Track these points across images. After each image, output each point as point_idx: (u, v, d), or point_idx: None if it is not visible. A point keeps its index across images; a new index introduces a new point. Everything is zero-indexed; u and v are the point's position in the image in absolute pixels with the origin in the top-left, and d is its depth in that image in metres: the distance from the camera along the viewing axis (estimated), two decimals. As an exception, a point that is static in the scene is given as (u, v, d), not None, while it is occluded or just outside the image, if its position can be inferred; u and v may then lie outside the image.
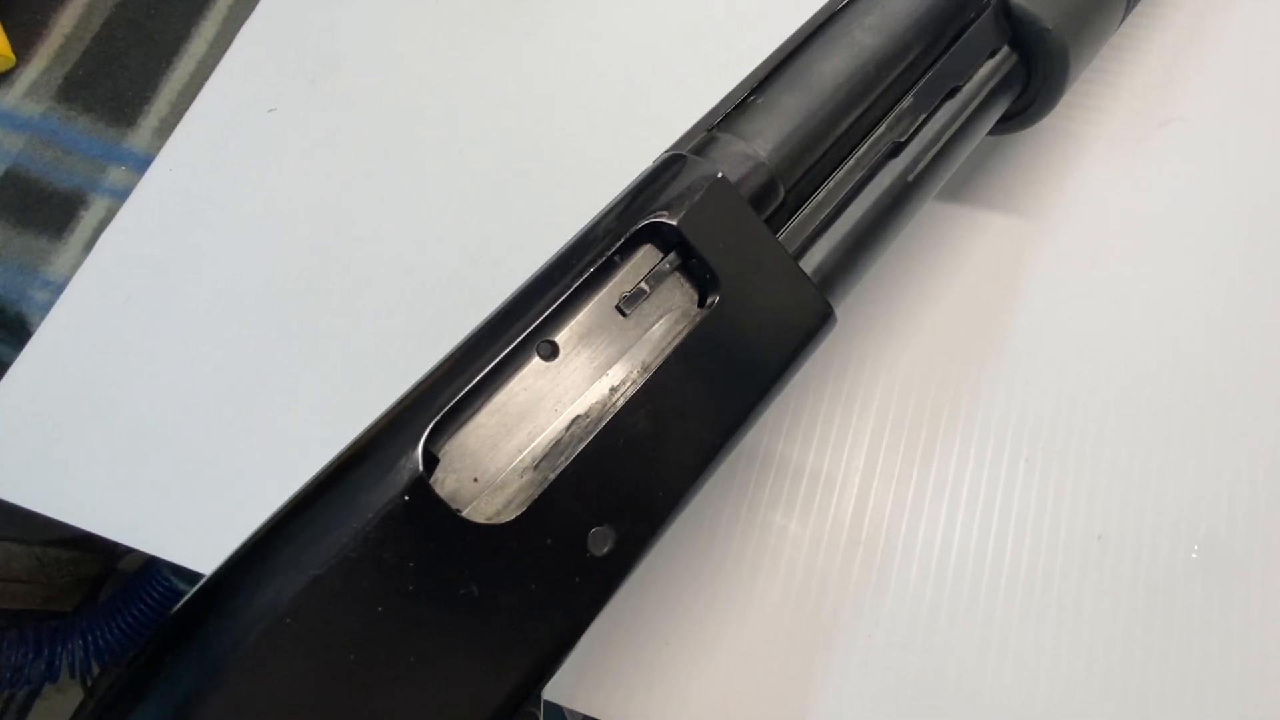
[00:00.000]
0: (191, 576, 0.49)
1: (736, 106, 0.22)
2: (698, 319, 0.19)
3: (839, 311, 0.21)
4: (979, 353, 0.27)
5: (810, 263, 0.21)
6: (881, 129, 0.23)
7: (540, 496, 0.16)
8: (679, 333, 0.19)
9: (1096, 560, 0.24)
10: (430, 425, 0.16)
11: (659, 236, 0.19)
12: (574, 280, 0.18)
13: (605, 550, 0.17)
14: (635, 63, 0.34)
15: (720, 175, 0.20)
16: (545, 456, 0.17)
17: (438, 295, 0.31)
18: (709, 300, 0.19)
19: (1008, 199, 0.29)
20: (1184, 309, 0.27)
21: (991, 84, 0.24)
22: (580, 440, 0.17)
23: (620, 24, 0.35)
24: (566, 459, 0.17)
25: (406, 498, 0.15)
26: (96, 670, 0.66)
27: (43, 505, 0.29)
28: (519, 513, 0.16)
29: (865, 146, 0.22)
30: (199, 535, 0.28)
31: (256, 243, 0.32)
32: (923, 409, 0.26)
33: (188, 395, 0.30)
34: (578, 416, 0.18)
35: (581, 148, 0.33)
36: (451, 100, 0.34)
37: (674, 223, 0.19)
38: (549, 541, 0.16)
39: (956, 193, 0.30)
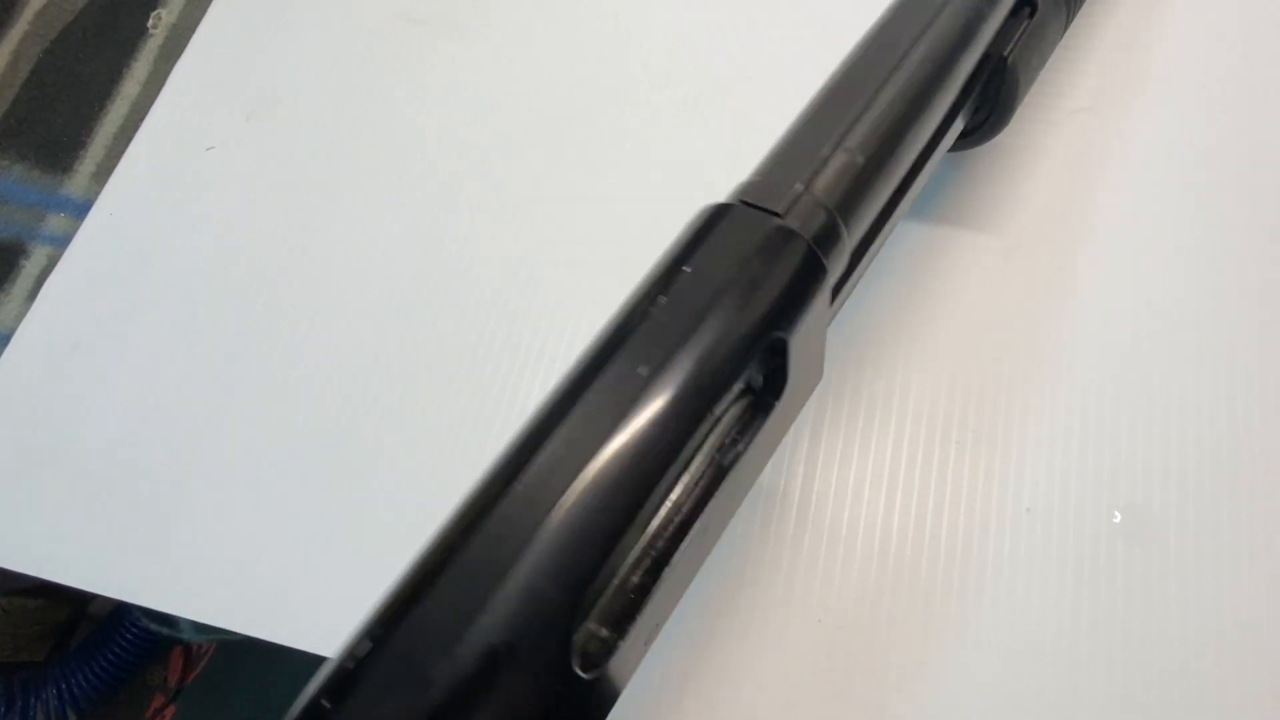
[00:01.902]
0: (164, 618, 0.49)
1: (822, 161, 0.20)
2: (760, 423, 0.18)
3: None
4: (907, 345, 0.28)
5: None
6: (905, 201, 0.23)
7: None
8: (740, 436, 0.18)
9: (1027, 532, 0.26)
10: (578, 622, 0.14)
11: None
12: (698, 435, 0.16)
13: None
14: (580, 89, 0.35)
15: (831, 278, 0.18)
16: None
17: (387, 327, 0.31)
18: (770, 400, 0.18)
19: (933, 203, 0.31)
20: (1100, 294, 0.28)
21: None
22: (656, 571, 0.16)
23: (564, 51, 0.36)
24: (650, 599, 0.16)
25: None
26: (72, 718, 0.65)
27: (2, 559, 0.29)
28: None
29: (895, 215, 0.22)
30: (161, 577, 0.28)
31: (202, 283, 0.33)
32: (858, 399, 0.28)
33: (142, 439, 0.30)
34: (654, 536, 0.16)
35: (525, 175, 0.34)
36: (391, 129, 0.35)
37: (787, 338, 0.17)
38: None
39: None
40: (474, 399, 0.30)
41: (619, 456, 0.15)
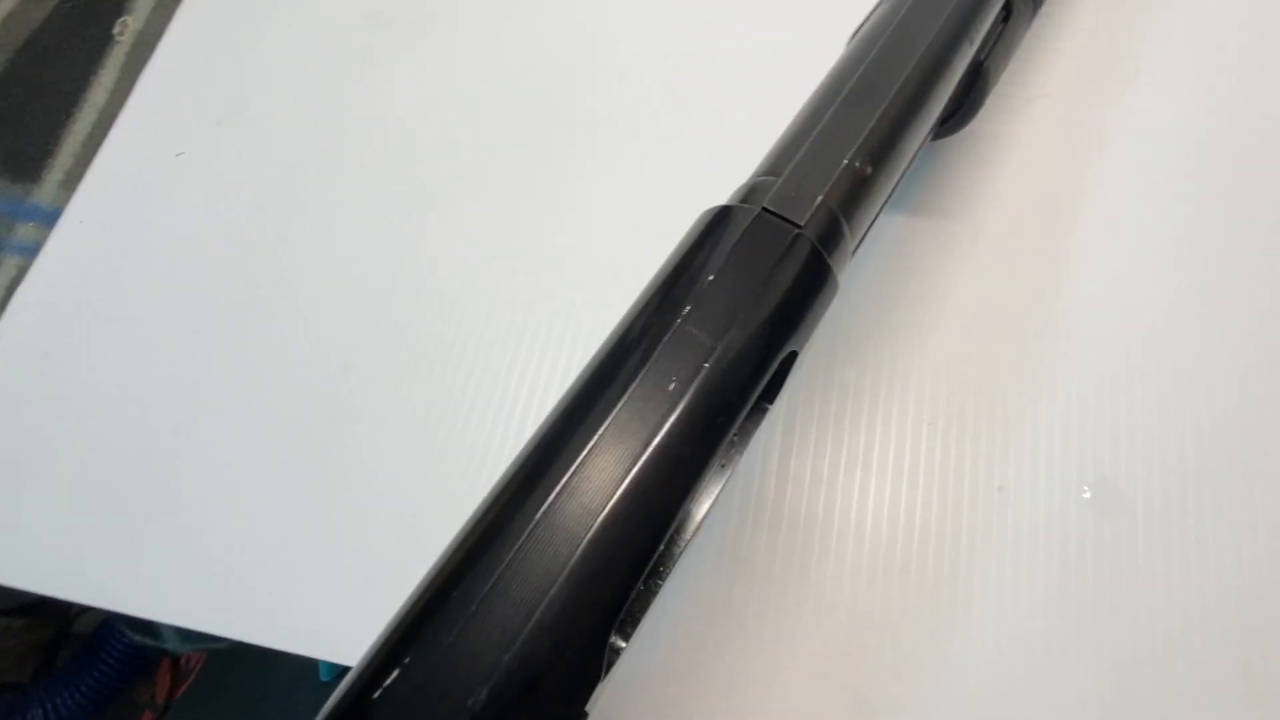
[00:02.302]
0: (148, 628, 0.48)
1: (839, 173, 0.20)
2: (754, 427, 0.18)
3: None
4: (878, 330, 0.29)
5: None
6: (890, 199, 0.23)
7: None
8: (736, 440, 0.18)
9: (999, 510, 0.26)
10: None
11: None
12: (721, 451, 0.16)
13: None
14: (552, 84, 0.35)
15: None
16: None
17: (363, 329, 0.31)
18: (765, 405, 0.19)
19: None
20: (1065, 275, 0.29)
21: None
22: (658, 573, 0.16)
23: (534, 47, 0.36)
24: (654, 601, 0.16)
25: None
26: (59, 738, 0.64)
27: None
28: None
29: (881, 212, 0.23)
30: (142, 584, 0.28)
31: (174, 289, 0.32)
32: (830, 385, 0.28)
33: (116, 447, 0.30)
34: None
35: (499, 172, 0.34)
36: (363, 131, 0.35)
37: (800, 351, 0.18)
38: None
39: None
40: (450, 397, 0.30)
41: (653, 478, 0.14)
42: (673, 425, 0.15)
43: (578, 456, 0.15)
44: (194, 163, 0.35)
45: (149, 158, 0.35)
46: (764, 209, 0.19)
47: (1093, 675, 0.24)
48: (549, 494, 0.14)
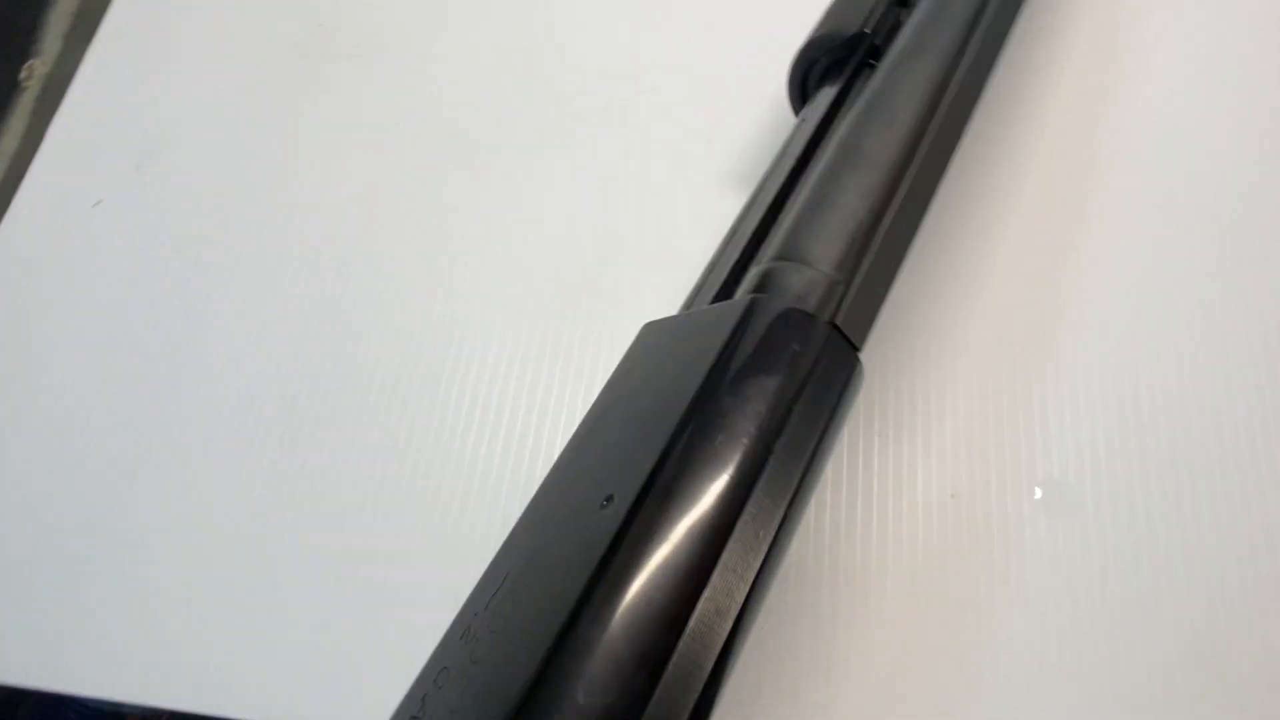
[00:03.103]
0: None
1: (863, 253, 0.20)
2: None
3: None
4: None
5: None
6: None
7: None
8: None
9: (953, 517, 0.26)
10: None
11: None
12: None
13: None
14: (483, 105, 0.35)
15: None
16: None
17: (295, 372, 0.30)
18: None
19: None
20: (1002, 283, 0.29)
21: None
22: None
23: (462, 69, 0.35)
24: None
25: None
26: (22, 804, 0.62)
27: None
28: None
29: None
30: (93, 662, 0.27)
31: (97, 345, 0.31)
32: (780, 404, 0.28)
33: (37, 520, 0.29)
34: None
35: (433, 200, 0.33)
36: (290, 165, 0.34)
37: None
38: None
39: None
40: (397, 438, 0.29)
41: (739, 629, 0.15)
42: (763, 569, 0.15)
43: (692, 610, 0.14)
44: (113, 211, 0.34)
45: (65, 208, 0.34)
46: (834, 325, 0.19)
47: (1054, 668, 0.24)
48: (679, 618, 0.14)
